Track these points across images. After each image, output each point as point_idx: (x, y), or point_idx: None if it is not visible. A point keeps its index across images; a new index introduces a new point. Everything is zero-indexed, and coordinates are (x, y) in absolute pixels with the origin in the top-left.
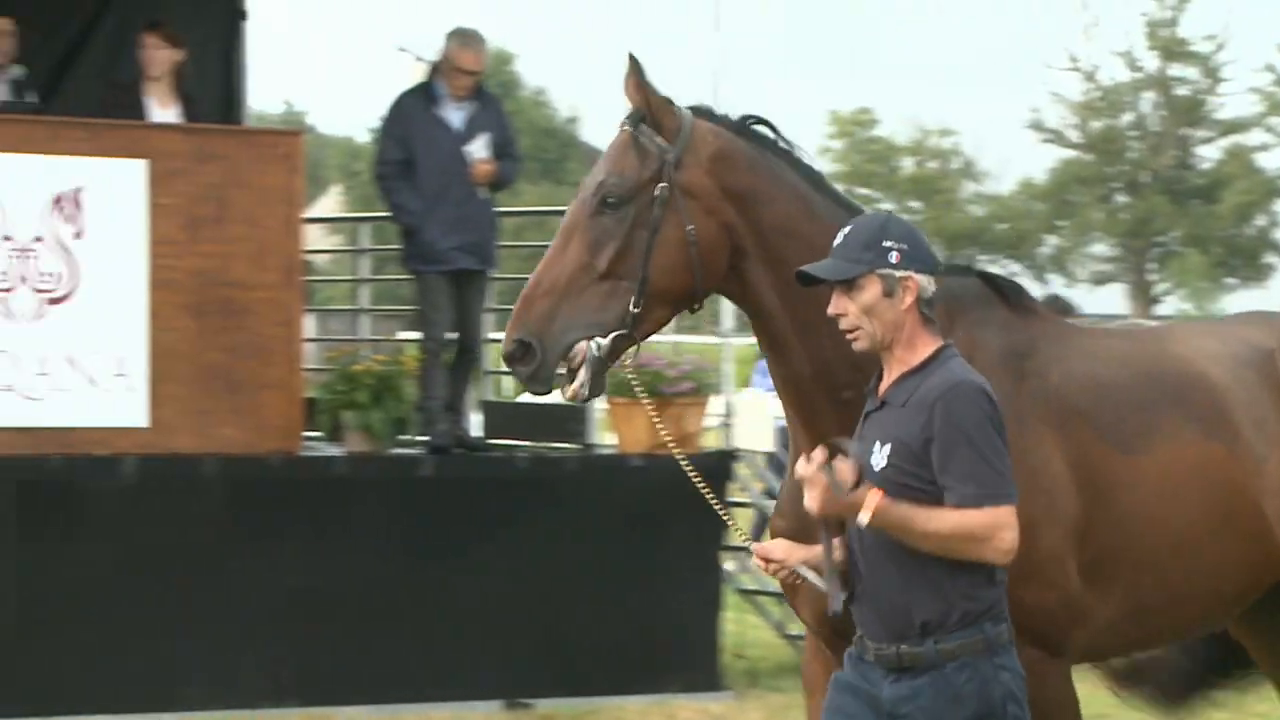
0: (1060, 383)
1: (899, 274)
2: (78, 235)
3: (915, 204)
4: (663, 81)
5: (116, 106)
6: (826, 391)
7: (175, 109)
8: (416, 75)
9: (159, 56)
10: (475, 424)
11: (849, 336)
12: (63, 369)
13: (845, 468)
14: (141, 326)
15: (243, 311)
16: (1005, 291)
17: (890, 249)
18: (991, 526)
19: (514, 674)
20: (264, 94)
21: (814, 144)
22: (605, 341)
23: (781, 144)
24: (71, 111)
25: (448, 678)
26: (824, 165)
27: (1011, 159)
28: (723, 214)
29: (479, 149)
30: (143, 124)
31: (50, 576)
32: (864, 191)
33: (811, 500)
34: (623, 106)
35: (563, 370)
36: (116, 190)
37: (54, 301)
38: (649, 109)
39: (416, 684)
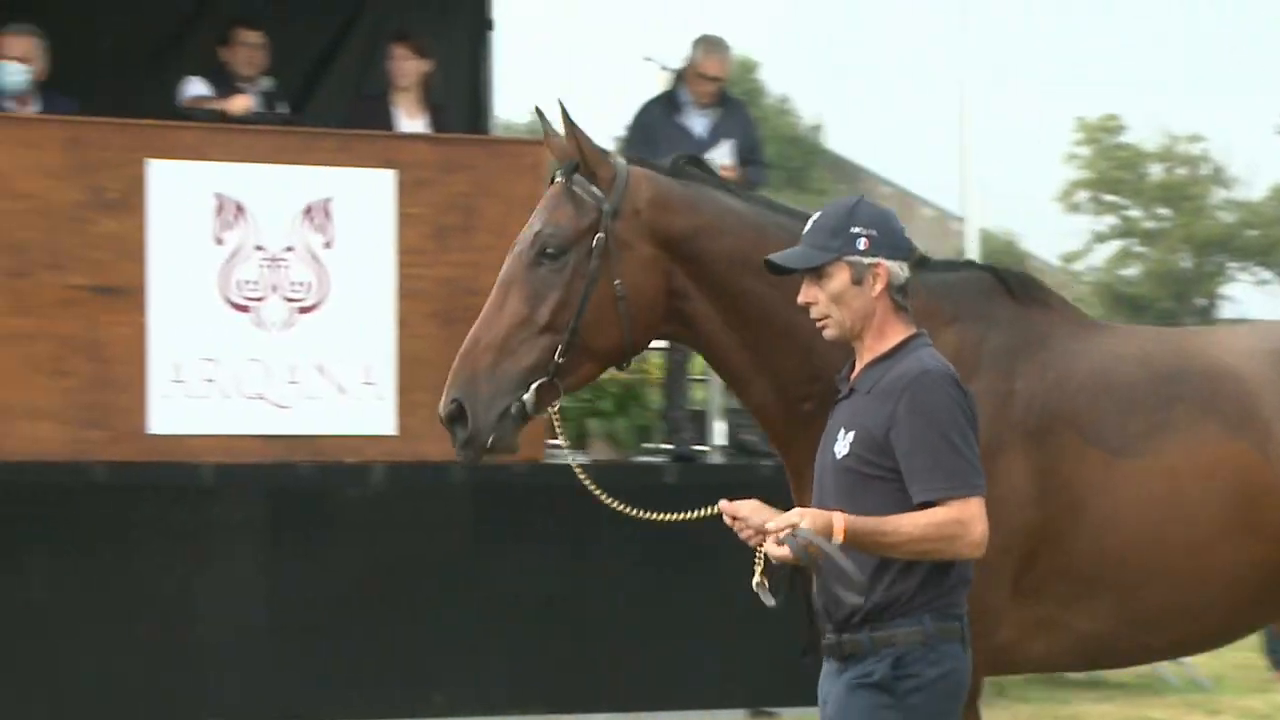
0: (1054, 383)
1: (867, 260)
2: (327, 245)
3: (1164, 211)
4: (911, 88)
5: (365, 117)
6: (787, 412)
7: (423, 119)
8: (662, 83)
9: (407, 67)
10: (720, 432)
11: (818, 325)
12: (312, 377)
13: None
14: (390, 335)
15: None
16: (1013, 286)
17: (858, 235)
18: (959, 522)
19: (759, 682)
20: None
21: (1060, 151)
22: (529, 395)
23: (716, 180)
24: (321, 122)
25: (692, 685)
26: (1071, 172)
27: (1262, 165)
28: (660, 261)
29: (723, 156)
30: (391, 134)
31: (300, 583)
32: (1111, 198)
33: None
34: (864, 113)
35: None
36: (365, 200)
37: (304, 310)
38: (583, 158)
39: (661, 691)
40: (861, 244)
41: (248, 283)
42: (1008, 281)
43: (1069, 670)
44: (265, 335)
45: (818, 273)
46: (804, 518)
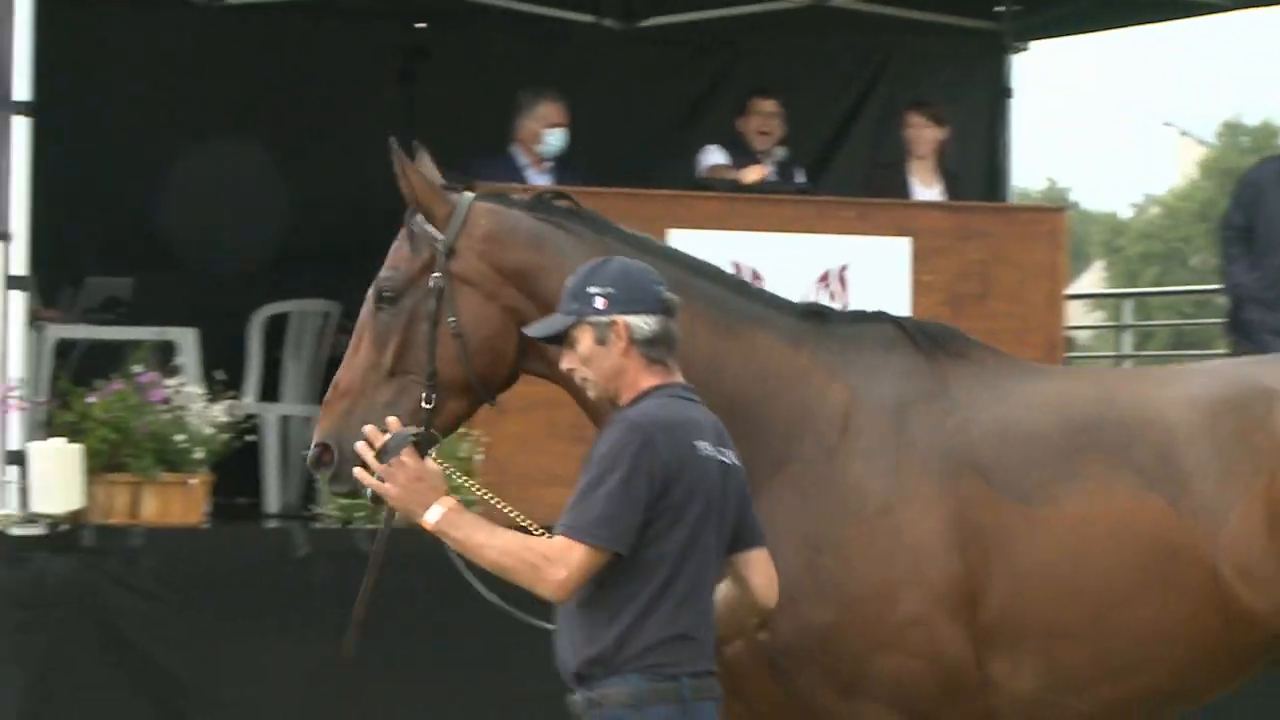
0: (954, 430)
1: (605, 319)
2: None
3: None
4: None
5: (881, 185)
6: None
7: (938, 187)
8: (1184, 151)
9: (924, 135)
10: None
11: (583, 388)
12: None
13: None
14: None
15: None
16: (918, 338)
17: (594, 295)
18: (545, 558)
19: None
20: (1027, 171)
21: None
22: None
23: (586, 213)
24: (837, 191)
25: None
26: None
27: None
28: (503, 297)
29: None
30: (908, 202)
31: None
32: None
33: (391, 488)
34: None
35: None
36: (881, 267)
37: None
38: (415, 197)
39: None
40: (599, 304)
41: None
42: (912, 333)
43: None
44: None
45: (567, 339)
46: (417, 491)
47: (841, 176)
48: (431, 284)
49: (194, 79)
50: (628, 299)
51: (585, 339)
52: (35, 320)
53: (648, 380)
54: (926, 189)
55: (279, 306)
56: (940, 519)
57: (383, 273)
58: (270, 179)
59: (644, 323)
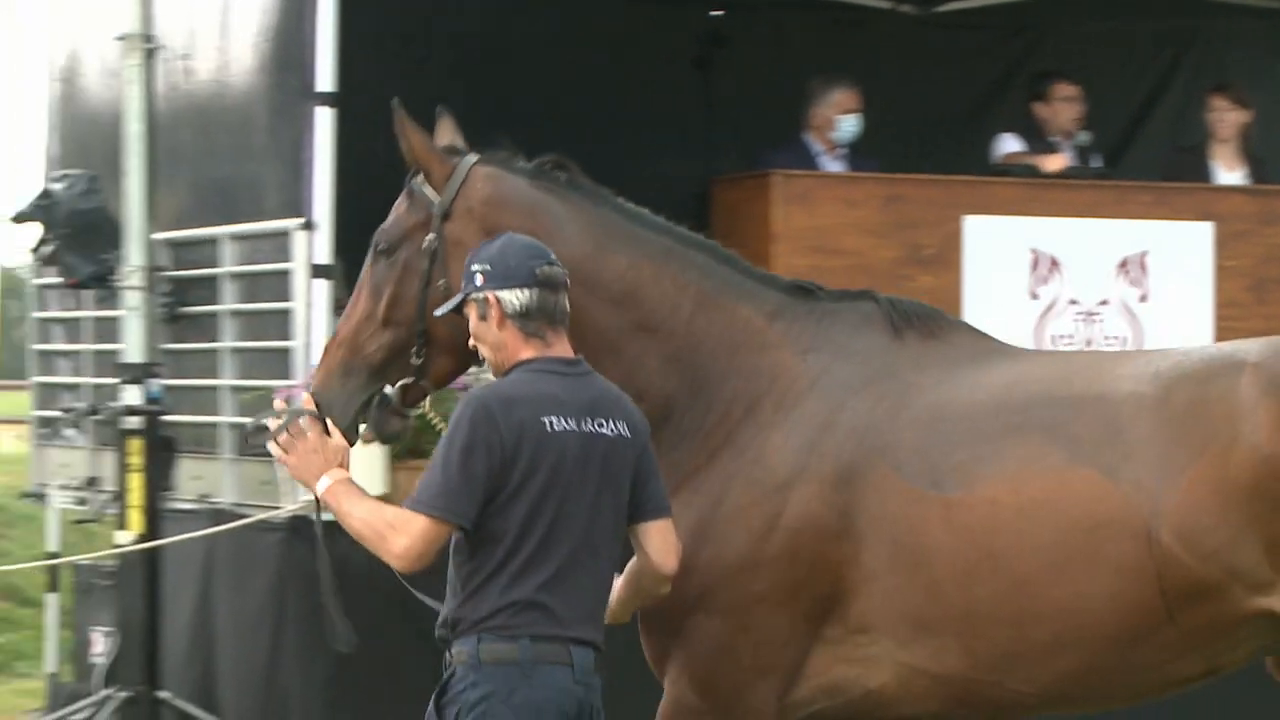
0: (885, 414)
1: (481, 295)
2: (1143, 298)
3: None
4: None
5: (1182, 169)
6: None
7: (1241, 171)
8: None
9: (1227, 118)
10: None
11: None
12: None
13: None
14: None
15: None
16: (892, 317)
17: (475, 273)
18: (391, 527)
19: None
20: None
21: None
22: (392, 390)
23: (585, 185)
24: (1137, 176)
25: None
26: None
27: None
28: None
29: None
30: (1209, 186)
31: None
32: None
33: (289, 457)
34: None
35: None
36: (1182, 253)
37: None
38: (415, 158)
39: None
40: (478, 280)
41: (1062, 337)
42: (888, 314)
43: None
44: None
45: (462, 314)
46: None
47: (1142, 161)
48: (425, 244)
49: (496, 64)
50: (502, 274)
51: (472, 315)
52: (340, 308)
53: (525, 353)
54: (1229, 173)
55: None
56: (826, 505)
57: (381, 226)
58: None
59: (515, 297)
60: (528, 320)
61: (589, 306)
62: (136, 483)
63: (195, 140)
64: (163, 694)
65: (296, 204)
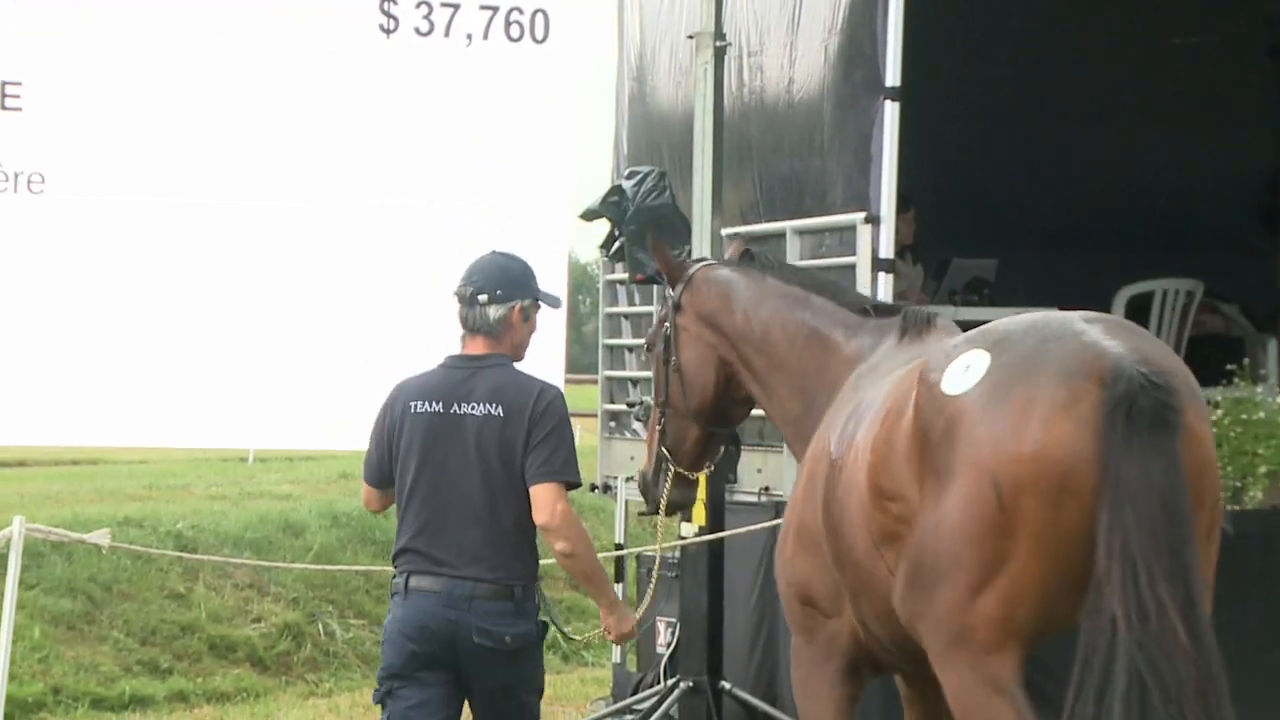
0: (853, 406)
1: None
2: None
3: None
4: None
5: None
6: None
7: None
8: None
9: None
10: None
11: None
12: None
13: None
14: None
15: None
16: (904, 324)
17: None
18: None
19: None
20: None
21: None
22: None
23: (769, 263)
24: None
25: None
26: None
27: None
28: (705, 336)
29: None
30: None
31: None
32: None
33: None
34: None
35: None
36: None
37: None
38: (662, 268)
39: None
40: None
41: None
42: (903, 322)
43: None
44: None
45: None
46: None
47: None
48: (665, 332)
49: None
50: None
51: None
52: (900, 298)
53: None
54: None
55: (1143, 286)
56: (807, 477)
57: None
58: (1148, 160)
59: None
60: (462, 324)
61: (746, 354)
62: (701, 475)
63: (762, 136)
64: (724, 684)
65: (862, 198)
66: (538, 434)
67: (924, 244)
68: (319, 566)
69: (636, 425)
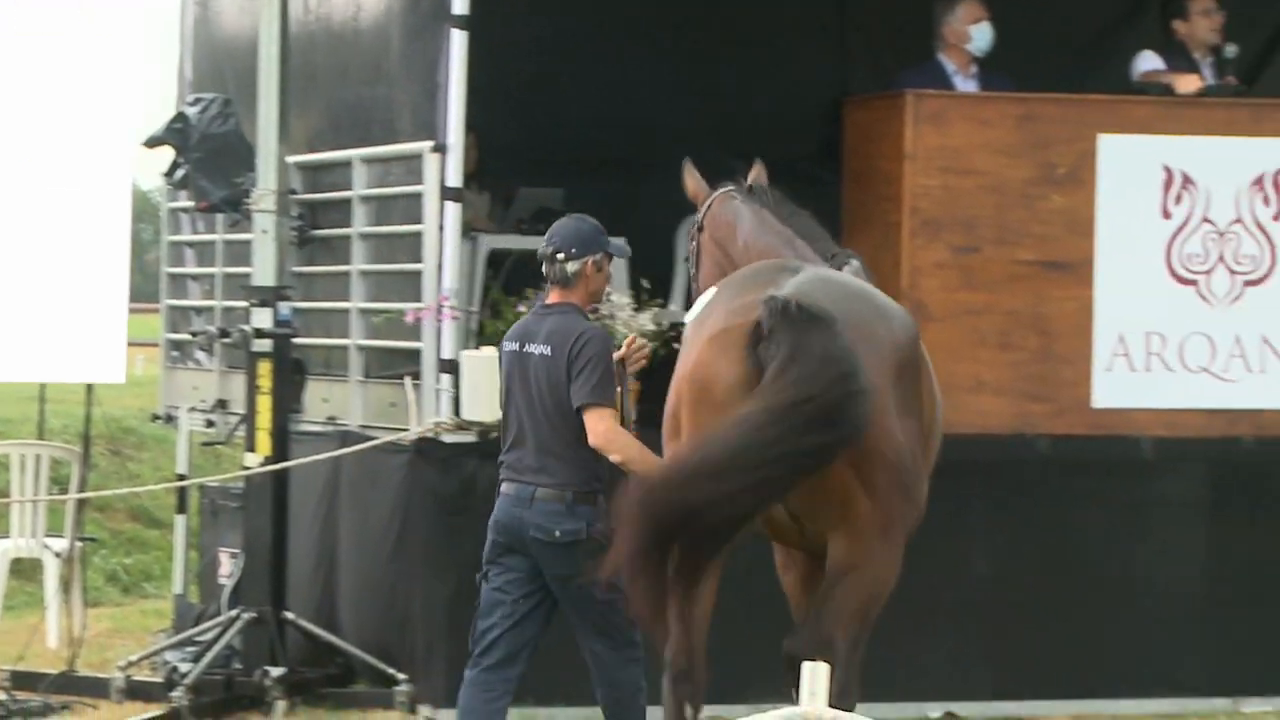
0: None
1: None
2: (1276, 217)
3: None
4: None
5: None
6: None
7: None
8: None
9: None
10: None
11: None
12: (1258, 350)
13: None
14: None
15: None
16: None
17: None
18: None
19: (1232, 670)
20: None
21: None
22: None
23: (767, 196)
24: (1275, 93)
25: (1166, 672)
26: None
27: None
28: (716, 256)
29: None
30: None
31: (1235, 559)
32: None
33: None
34: None
35: None
36: None
37: (1251, 283)
38: (690, 193)
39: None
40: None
41: (1194, 255)
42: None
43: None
44: (1209, 309)
45: None
46: None
47: (1278, 80)
48: (691, 248)
49: None
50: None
51: None
52: (469, 231)
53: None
54: None
55: None
56: None
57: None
58: (717, 90)
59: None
60: (545, 279)
61: (733, 255)
62: (265, 405)
63: (328, 64)
64: (287, 614)
65: (429, 127)
66: (576, 368)
67: (491, 172)
68: None
69: (200, 355)
